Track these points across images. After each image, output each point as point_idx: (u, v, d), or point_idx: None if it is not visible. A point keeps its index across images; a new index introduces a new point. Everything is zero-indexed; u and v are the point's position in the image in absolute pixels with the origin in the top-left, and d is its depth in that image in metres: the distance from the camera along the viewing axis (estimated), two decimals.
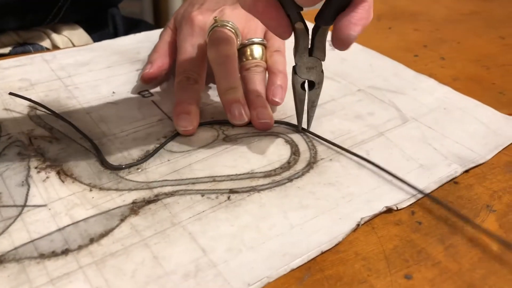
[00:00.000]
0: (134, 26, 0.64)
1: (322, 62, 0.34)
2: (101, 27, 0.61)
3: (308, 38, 0.33)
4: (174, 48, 0.43)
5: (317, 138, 0.37)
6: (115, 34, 0.61)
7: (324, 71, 0.35)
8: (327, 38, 0.33)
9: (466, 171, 0.34)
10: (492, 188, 0.33)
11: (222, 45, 0.38)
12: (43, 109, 0.38)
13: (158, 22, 1.82)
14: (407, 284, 0.26)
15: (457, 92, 0.44)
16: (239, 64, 0.40)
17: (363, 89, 0.44)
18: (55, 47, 0.53)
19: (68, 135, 0.36)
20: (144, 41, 0.51)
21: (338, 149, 0.36)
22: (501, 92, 0.44)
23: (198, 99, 0.38)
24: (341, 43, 0.30)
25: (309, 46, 0.34)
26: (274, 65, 0.40)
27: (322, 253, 0.28)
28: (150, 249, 0.27)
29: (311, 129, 0.37)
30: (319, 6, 0.31)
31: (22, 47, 0.52)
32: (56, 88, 0.41)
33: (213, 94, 0.42)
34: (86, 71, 0.44)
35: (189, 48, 0.40)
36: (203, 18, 0.41)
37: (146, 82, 0.42)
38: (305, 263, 0.27)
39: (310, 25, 0.32)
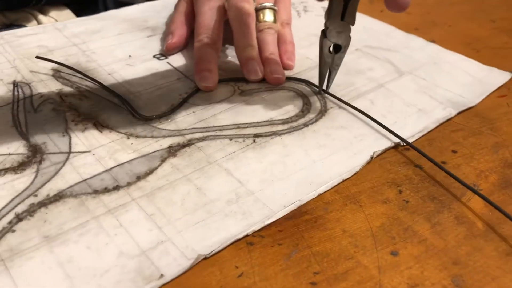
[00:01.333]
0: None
1: (352, 26, 0.36)
2: (91, 9, 0.62)
3: (342, 3, 0.34)
4: (190, 18, 0.46)
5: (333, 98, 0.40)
6: None
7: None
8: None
9: (454, 151, 0.35)
10: (479, 167, 0.33)
11: (242, 3, 0.41)
12: (68, 71, 0.40)
13: None
14: (393, 260, 0.26)
15: (444, 48, 0.48)
16: None
17: (360, 48, 0.47)
18: None
19: (96, 93, 0.38)
20: (149, 11, 0.53)
21: (345, 99, 0.39)
22: None
23: (216, 58, 0.41)
24: (401, 6, 0.31)
25: (343, 10, 0.35)
26: (284, 35, 0.43)
27: (343, 180, 0.31)
28: (193, 182, 0.30)
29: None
30: None
31: (9, 28, 0.52)
32: (74, 53, 0.44)
33: (225, 55, 0.45)
34: (99, 38, 0.47)
35: (207, 11, 0.42)
36: None
37: (170, 52, 0.45)
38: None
39: None
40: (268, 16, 0.43)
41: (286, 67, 0.42)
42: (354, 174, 0.32)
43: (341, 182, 0.31)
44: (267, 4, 0.43)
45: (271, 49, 0.42)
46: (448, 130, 0.36)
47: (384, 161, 0.33)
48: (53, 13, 0.55)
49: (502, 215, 0.29)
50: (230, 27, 0.43)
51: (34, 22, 0.53)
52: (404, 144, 0.35)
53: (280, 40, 0.44)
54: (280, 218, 0.28)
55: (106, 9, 0.64)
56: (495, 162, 0.34)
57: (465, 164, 0.33)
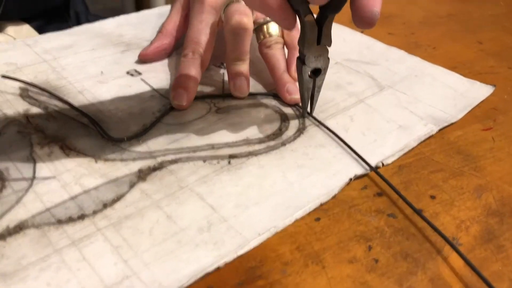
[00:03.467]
0: None
1: (329, 48, 0.34)
2: (57, 23, 0.59)
3: (316, 28, 0.33)
4: (180, 26, 0.45)
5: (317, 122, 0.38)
6: None
7: None
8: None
9: (433, 197, 0.31)
10: (459, 217, 0.30)
11: (240, 17, 0.39)
12: (36, 90, 0.39)
13: (139, 6, 1.80)
14: None
15: (425, 61, 0.47)
16: (258, 42, 0.42)
17: (339, 62, 0.46)
18: None
19: (65, 113, 0.37)
20: (125, 24, 0.52)
21: (324, 116, 0.38)
22: (476, 104, 0.41)
23: (198, 76, 0.39)
24: (367, 22, 0.29)
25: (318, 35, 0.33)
26: (293, 40, 0.42)
27: (321, 204, 0.30)
28: (163, 210, 0.29)
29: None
30: None
31: None
32: (44, 70, 0.42)
33: (210, 69, 0.44)
34: (71, 53, 0.45)
35: (198, 24, 0.41)
36: None
37: (142, 61, 0.43)
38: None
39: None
40: (273, 29, 0.42)
41: (295, 79, 0.40)
42: (332, 197, 0.31)
43: (319, 206, 0.30)
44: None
45: (282, 65, 0.41)
46: (427, 171, 0.33)
47: (354, 210, 0.30)
48: (11, 29, 0.53)
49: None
50: (220, 40, 0.41)
51: None
52: (377, 167, 0.34)
53: (289, 47, 0.43)
54: (230, 283, 0.25)
55: (78, 23, 0.63)
56: (478, 209, 0.31)
57: (444, 212, 0.30)
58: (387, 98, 0.41)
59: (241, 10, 0.39)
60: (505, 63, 0.48)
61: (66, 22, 0.61)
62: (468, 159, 0.35)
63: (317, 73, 0.35)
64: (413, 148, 0.35)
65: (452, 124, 0.38)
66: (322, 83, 0.36)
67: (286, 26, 0.31)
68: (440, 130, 0.38)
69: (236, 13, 0.39)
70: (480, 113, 0.40)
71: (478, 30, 0.56)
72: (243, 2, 0.41)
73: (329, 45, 0.34)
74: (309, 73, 0.35)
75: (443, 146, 0.36)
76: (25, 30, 0.55)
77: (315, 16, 0.32)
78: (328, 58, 0.35)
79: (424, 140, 0.36)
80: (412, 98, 0.41)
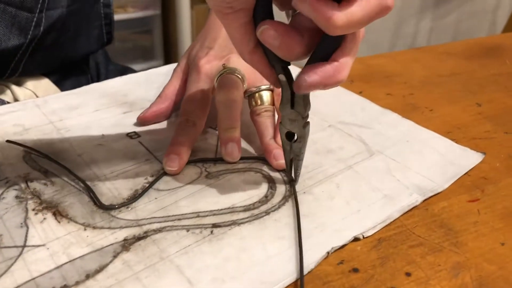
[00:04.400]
0: (120, 74, 0.67)
1: (303, 117, 0.35)
2: (75, 76, 0.62)
3: (289, 91, 0.34)
4: (179, 90, 0.47)
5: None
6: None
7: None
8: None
9: (408, 274, 0.31)
10: None
11: (230, 90, 0.42)
12: (38, 154, 0.41)
13: (168, 54, 1.89)
14: None
15: (418, 125, 0.48)
16: (250, 109, 0.44)
17: (333, 125, 0.47)
18: (16, 101, 0.53)
19: (62, 177, 0.39)
20: (131, 83, 0.54)
21: (311, 183, 0.39)
22: (466, 172, 0.41)
23: (192, 141, 0.41)
24: (295, 85, 0.31)
25: (292, 98, 0.34)
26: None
27: (296, 279, 0.31)
28: (142, 282, 0.30)
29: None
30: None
31: None
32: (49, 132, 0.44)
33: (205, 132, 0.45)
34: (76, 115, 0.48)
35: (194, 93, 0.44)
36: (210, 67, 0.45)
37: (140, 124, 0.46)
38: None
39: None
40: (264, 97, 0.44)
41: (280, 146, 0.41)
42: (308, 272, 0.31)
43: (295, 280, 0.31)
44: (263, 86, 0.44)
45: (270, 132, 0.42)
46: (406, 246, 0.33)
47: (327, 286, 0.30)
48: (30, 84, 0.56)
49: None
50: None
51: (10, 94, 0.54)
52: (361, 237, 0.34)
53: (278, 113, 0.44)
54: None
55: (98, 73, 0.66)
56: None
57: None
58: (376, 165, 0.42)
59: (231, 83, 0.41)
60: (501, 128, 0.49)
61: (85, 74, 0.65)
62: (449, 234, 0.35)
63: (291, 137, 0.36)
64: (395, 220, 0.36)
65: (438, 193, 0.39)
66: (300, 152, 0.37)
67: (269, 82, 0.34)
68: (426, 200, 0.38)
69: (226, 87, 0.41)
70: (468, 182, 0.40)
71: (479, 91, 0.57)
72: (235, 72, 0.43)
73: (302, 114, 0.35)
74: (285, 134, 0.36)
75: (426, 219, 0.36)
76: (44, 84, 0.58)
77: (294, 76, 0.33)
78: (304, 127, 0.35)
79: (408, 211, 0.37)
80: (401, 165, 0.42)
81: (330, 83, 0.30)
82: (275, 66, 0.33)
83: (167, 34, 1.91)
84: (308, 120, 0.36)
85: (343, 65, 0.30)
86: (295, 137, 0.36)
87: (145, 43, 1.93)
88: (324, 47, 0.30)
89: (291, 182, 0.39)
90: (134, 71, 0.66)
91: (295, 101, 0.34)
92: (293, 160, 0.38)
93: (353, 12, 0.26)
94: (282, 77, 0.33)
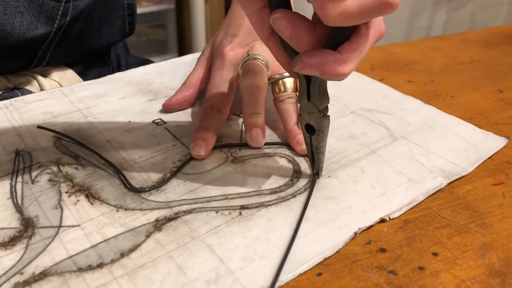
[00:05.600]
0: (140, 66, 0.68)
1: (319, 109, 0.34)
2: (98, 67, 0.63)
3: (305, 82, 0.34)
4: (204, 78, 0.48)
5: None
6: None
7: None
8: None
9: (435, 254, 0.32)
10: (460, 276, 0.30)
11: (255, 76, 0.42)
12: (68, 139, 0.42)
13: (182, 48, 1.91)
14: None
15: (440, 111, 0.48)
16: (273, 96, 0.45)
17: (355, 111, 0.48)
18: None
19: (92, 162, 0.40)
20: (153, 73, 0.55)
21: (336, 167, 0.40)
22: (489, 157, 0.42)
23: (218, 127, 0.42)
24: (293, 61, 0.31)
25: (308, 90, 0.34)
26: None
27: (325, 259, 0.31)
28: (174, 260, 0.31)
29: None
30: None
31: (11, 93, 0.54)
32: (77, 119, 0.46)
33: (229, 119, 0.46)
34: (102, 102, 0.49)
35: (218, 79, 0.44)
36: (234, 54, 0.46)
37: (166, 111, 0.47)
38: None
39: None
40: (288, 84, 0.44)
41: None
42: (336, 252, 0.32)
43: (322, 260, 0.31)
44: (286, 73, 0.45)
45: (294, 119, 0.43)
46: (432, 227, 0.34)
47: (355, 265, 0.31)
48: (56, 75, 0.57)
49: None
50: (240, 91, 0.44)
51: (37, 85, 0.55)
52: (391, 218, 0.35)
53: None
54: None
55: (119, 65, 0.67)
56: (480, 269, 0.31)
57: (445, 271, 0.30)
58: (400, 150, 0.42)
59: (255, 69, 0.42)
60: None
61: (107, 66, 0.66)
62: (475, 216, 0.35)
63: (310, 130, 0.36)
64: (420, 202, 0.36)
65: (462, 177, 0.39)
66: (320, 144, 0.36)
67: (283, 66, 0.34)
68: (450, 183, 0.38)
69: (251, 73, 0.42)
70: (492, 166, 0.41)
71: (500, 78, 0.57)
72: (260, 59, 0.44)
73: (318, 106, 0.34)
74: (304, 126, 0.36)
75: (451, 201, 0.37)
76: (69, 74, 0.60)
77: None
78: (321, 120, 0.34)
79: (433, 194, 0.37)
80: (425, 150, 0.42)
81: (327, 71, 0.29)
82: (291, 55, 0.32)
83: (181, 28, 1.92)
84: (328, 114, 0.35)
85: (346, 59, 0.29)
86: (314, 130, 0.36)
87: (160, 37, 1.95)
88: (332, 39, 0.30)
89: (314, 176, 0.38)
90: (153, 63, 0.67)
91: (310, 93, 0.34)
92: (314, 153, 0.37)
93: (348, 4, 0.26)
94: None
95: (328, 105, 0.35)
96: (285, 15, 0.29)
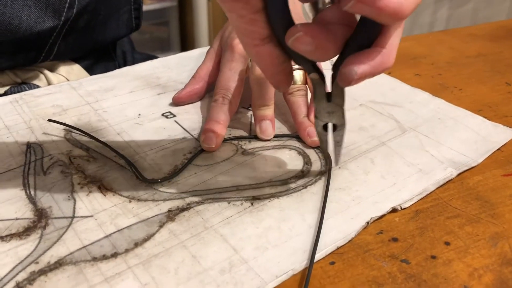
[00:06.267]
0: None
1: (342, 107, 0.33)
2: (104, 62, 0.63)
3: (325, 85, 0.32)
4: (213, 72, 0.48)
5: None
6: None
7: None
8: None
9: (447, 243, 0.32)
10: (473, 264, 0.30)
11: None
12: (79, 132, 0.42)
13: (184, 46, 1.91)
14: None
15: (449, 103, 0.48)
16: None
17: (364, 104, 0.48)
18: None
19: (104, 154, 0.40)
20: (160, 67, 0.55)
21: (346, 159, 0.40)
22: (498, 148, 0.42)
23: (228, 119, 0.42)
24: (342, 78, 0.28)
25: (328, 92, 0.33)
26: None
27: (338, 248, 0.32)
28: (188, 249, 0.31)
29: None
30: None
31: (19, 87, 0.54)
32: (87, 112, 0.46)
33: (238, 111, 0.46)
34: (112, 96, 0.49)
35: (228, 72, 0.44)
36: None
37: (175, 104, 0.47)
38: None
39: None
40: (297, 77, 0.44)
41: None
42: (349, 241, 0.32)
43: (336, 249, 0.31)
44: (296, 66, 0.44)
45: (303, 110, 0.43)
46: (443, 217, 0.34)
47: (368, 254, 0.31)
48: (63, 70, 0.57)
49: None
50: (249, 84, 0.44)
51: (44, 80, 0.56)
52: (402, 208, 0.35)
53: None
54: None
55: (124, 60, 0.67)
56: (492, 257, 0.31)
57: (457, 259, 0.31)
58: (409, 141, 0.42)
59: None
60: None
61: (113, 61, 0.66)
62: (486, 206, 0.35)
63: (334, 128, 0.35)
64: (431, 193, 0.36)
65: (472, 168, 0.39)
66: (340, 138, 0.35)
67: (276, 84, 0.31)
68: (460, 174, 0.38)
69: None
70: (502, 158, 0.41)
71: (508, 71, 0.57)
72: None
73: (342, 105, 0.33)
74: (321, 126, 0.35)
75: (461, 192, 0.37)
76: (76, 69, 0.60)
77: (325, 72, 0.32)
78: (343, 116, 0.34)
79: (443, 185, 0.37)
80: (434, 141, 0.42)
81: (379, 71, 0.28)
82: (303, 65, 0.31)
83: (184, 26, 1.92)
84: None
85: (390, 50, 0.28)
86: (335, 127, 0.34)
87: (162, 35, 1.95)
88: (364, 35, 0.28)
89: (329, 168, 0.38)
90: (160, 58, 0.67)
91: (333, 95, 0.32)
92: (334, 146, 0.36)
93: None
94: (314, 75, 0.31)
95: None
96: (307, 31, 0.26)
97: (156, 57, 0.70)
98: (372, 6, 0.23)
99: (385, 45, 0.28)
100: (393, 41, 0.28)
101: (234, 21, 0.28)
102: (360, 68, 0.27)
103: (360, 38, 0.28)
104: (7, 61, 0.52)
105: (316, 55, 0.28)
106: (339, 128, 0.34)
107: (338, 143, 0.36)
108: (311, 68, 0.31)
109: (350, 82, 0.28)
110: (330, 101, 0.33)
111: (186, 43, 1.94)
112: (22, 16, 0.48)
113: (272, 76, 0.31)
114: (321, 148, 0.38)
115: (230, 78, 0.44)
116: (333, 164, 0.38)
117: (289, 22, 0.28)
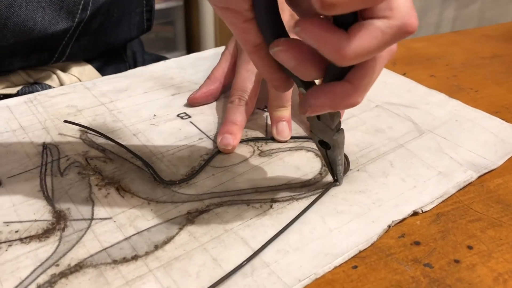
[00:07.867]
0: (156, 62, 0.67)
1: (331, 128, 0.33)
2: (115, 63, 0.63)
3: None
4: (228, 73, 0.48)
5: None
6: None
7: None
8: None
9: (470, 247, 0.32)
10: (497, 269, 0.30)
11: None
12: (95, 133, 0.42)
13: (190, 46, 1.91)
14: None
15: (466, 104, 0.48)
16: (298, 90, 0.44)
17: (380, 105, 0.48)
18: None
19: (120, 155, 0.40)
20: (174, 67, 0.55)
21: (364, 161, 0.39)
22: None
23: (244, 121, 0.42)
24: (300, 106, 0.28)
25: None
26: None
27: (360, 251, 0.31)
28: (209, 252, 0.31)
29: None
30: None
31: (31, 87, 0.54)
32: (102, 113, 0.45)
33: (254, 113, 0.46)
34: (126, 96, 0.48)
35: (244, 73, 0.44)
36: None
37: (190, 105, 0.47)
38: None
39: None
40: None
41: None
42: (371, 245, 0.32)
43: (357, 253, 0.31)
44: None
45: None
46: (465, 220, 0.34)
47: (390, 258, 0.31)
48: (75, 70, 0.57)
49: None
50: (265, 84, 0.44)
51: (56, 80, 0.55)
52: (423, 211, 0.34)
53: None
54: None
55: (135, 61, 0.67)
56: None
57: (481, 264, 0.30)
58: (427, 143, 0.42)
59: None
60: None
61: (124, 62, 0.66)
62: (508, 209, 0.35)
63: (325, 145, 0.34)
64: (451, 196, 0.36)
65: (492, 170, 0.39)
66: (336, 158, 0.34)
67: (274, 88, 0.31)
68: (480, 177, 0.38)
69: None
70: None
71: None
72: None
73: (330, 126, 0.32)
74: (317, 142, 0.34)
75: (482, 195, 0.36)
76: (88, 70, 0.60)
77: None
78: (335, 138, 0.33)
79: (463, 188, 0.37)
80: (453, 144, 0.42)
81: (340, 106, 0.27)
82: (293, 78, 0.30)
83: (190, 26, 1.91)
84: (341, 128, 0.34)
85: (358, 87, 0.27)
86: (329, 146, 0.34)
87: (168, 34, 1.94)
88: (337, 66, 0.26)
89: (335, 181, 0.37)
90: (173, 58, 0.66)
91: (320, 115, 0.32)
92: (332, 165, 0.36)
93: (365, 41, 0.23)
94: (302, 90, 0.30)
95: None
96: (288, 46, 0.26)
97: (166, 58, 0.70)
98: (316, 40, 0.24)
99: (353, 81, 0.27)
100: (365, 78, 0.27)
101: (229, 27, 0.29)
102: (315, 100, 0.27)
103: (333, 67, 0.27)
104: (21, 62, 0.52)
105: (298, 72, 0.27)
106: (332, 148, 0.34)
107: (334, 162, 0.35)
108: (300, 82, 0.30)
109: (305, 112, 0.28)
110: (319, 120, 0.32)
111: (192, 43, 1.94)
112: (37, 17, 0.48)
113: (269, 81, 0.31)
114: (324, 161, 0.36)
115: (247, 79, 0.44)
116: (333, 177, 0.37)
117: (280, 32, 0.28)
